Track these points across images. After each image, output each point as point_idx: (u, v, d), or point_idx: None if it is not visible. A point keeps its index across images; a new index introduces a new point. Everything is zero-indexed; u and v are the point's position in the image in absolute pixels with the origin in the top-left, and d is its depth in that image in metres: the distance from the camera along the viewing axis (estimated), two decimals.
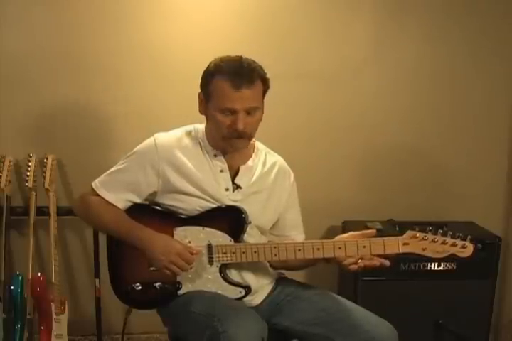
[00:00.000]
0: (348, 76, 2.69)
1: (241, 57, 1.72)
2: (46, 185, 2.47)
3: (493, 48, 2.72)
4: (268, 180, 1.87)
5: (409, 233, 1.74)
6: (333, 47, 2.66)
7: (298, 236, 1.96)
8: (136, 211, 1.79)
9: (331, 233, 2.76)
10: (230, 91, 1.66)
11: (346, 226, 2.69)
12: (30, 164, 2.48)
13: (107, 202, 1.78)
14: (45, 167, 2.49)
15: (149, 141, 1.80)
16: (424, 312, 2.47)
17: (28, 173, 2.47)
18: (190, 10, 2.56)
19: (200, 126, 1.84)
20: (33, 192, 2.50)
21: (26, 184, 2.47)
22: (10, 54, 2.50)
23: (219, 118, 1.70)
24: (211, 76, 1.70)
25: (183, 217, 1.78)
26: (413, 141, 2.78)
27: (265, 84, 1.73)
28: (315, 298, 1.82)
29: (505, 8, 2.68)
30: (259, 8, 2.58)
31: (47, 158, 2.50)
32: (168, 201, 1.78)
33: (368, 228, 2.52)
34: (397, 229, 2.53)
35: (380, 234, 2.44)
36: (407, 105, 2.75)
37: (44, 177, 2.48)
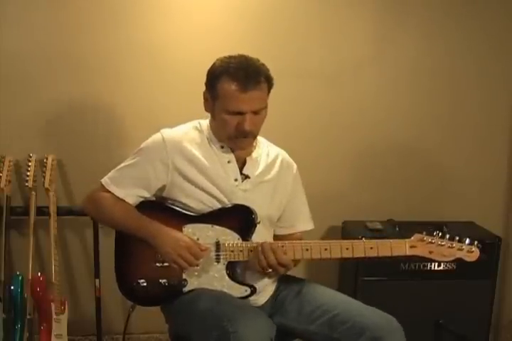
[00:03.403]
0: (348, 74, 2.69)
1: (246, 57, 1.73)
2: (46, 185, 2.47)
3: (492, 47, 2.72)
4: (273, 171, 1.89)
5: (416, 236, 1.75)
6: (333, 46, 2.66)
7: (306, 225, 1.98)
8: (146, 208, 1.80)
9: (331, 233, 2.76)
10: (237, 94, 1.67)
11: (346, 226, 2.69)
12: (30, 164, 2.48)
13: (117, 197, 1.78)
14: (45, 167, 2.49)
15: (156, 136, 1.81)
16: (424, 312, 2.47)
17: (28, 173, 2.47)
18: (190, 9, 2.55)
19: (204, 121, 1.85)
20: (33, 192, 2.49)
21: (26, 184, 2.47)
22: (10, 54, 2.50)
23: (226, 119, 1.72)
24: (217, 77, 1.70)
25: (192, 214, 1.79)
26: (413, 140, 2.78)
27: (270, 82, 1.74)
28: (317, 296, 1.81)
29: (505, 6, 2.69)
30: (259, 6, 2.58)
31: (47, 158, 2.50)
32: (176, 196, 1.79)
33: (367, 228, 2.54)
34: (397, 229, 2.53)
35: (380, 234, 2.48)
36: (407, 103, 2.75)
37: (44, 177, 2.47)
